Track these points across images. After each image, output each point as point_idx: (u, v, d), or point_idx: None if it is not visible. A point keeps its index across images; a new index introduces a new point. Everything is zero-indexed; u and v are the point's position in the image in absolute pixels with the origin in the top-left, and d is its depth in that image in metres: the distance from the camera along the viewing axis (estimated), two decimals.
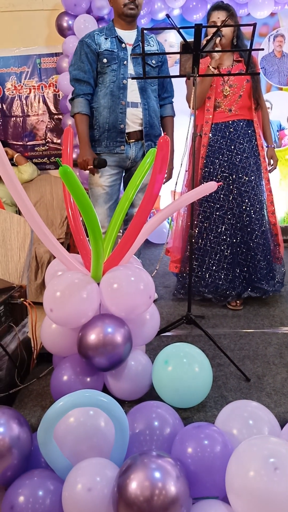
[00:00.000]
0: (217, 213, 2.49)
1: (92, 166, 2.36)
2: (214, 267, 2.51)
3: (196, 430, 1.27)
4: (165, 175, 2.51)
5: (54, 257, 1.77)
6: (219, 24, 2.40)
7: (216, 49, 2.35)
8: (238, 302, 2.53)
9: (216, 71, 2.43)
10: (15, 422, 1.32)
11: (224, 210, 2.48)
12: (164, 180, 2.55)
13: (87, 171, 2.48)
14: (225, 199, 2.49)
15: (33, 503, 1.19)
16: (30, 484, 1.23)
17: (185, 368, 1.52)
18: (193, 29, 1.96)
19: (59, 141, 4.10)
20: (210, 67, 2.41)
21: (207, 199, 2.48)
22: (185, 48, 2.06)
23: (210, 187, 1.79)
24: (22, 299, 1.89)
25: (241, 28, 2.53)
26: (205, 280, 2.52)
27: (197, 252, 2.53)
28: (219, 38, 2.34)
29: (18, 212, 3.56)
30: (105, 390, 1.62)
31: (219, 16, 2.42)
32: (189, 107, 2.52)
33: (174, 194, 2.23)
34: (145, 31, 2.39)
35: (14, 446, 1.27)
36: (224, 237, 2.49)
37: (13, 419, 1.32)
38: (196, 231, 2.52)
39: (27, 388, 1.76)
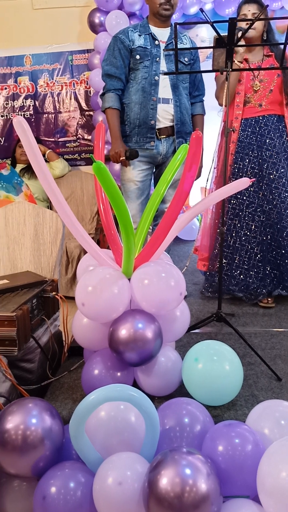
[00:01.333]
0: (247, 210, 2.46)
1: (124, 158, 2.36)
2: (244, 265, 2.47)
3: (227, 428, 1.26)
4: None
5: (85, 252, 1.79)
6: (249, 17, 2.36)
7: (241, 43, 2.31)
8: (269, 299, 2.50)
9: (242, 65, 2.39)
10: (48, 414, 1.34)
11: (254, 207, 2.45)
12: None
13: (118, 167, 2.49)
14: (255, 195, 2.45)
15: (64, 494, 1.21)
16: (62, 476, 1.25)
17: (216, 366, 1.51)
18: (226, 24, 1.95)
19: (89, 137, 4.13)
20: (236, 61, 2.36)
21: (236, 195, 2.45)
22: (219, 42, 2.04)
23: (242, 183, 1.77)
24: (54, 293, 1.92)
25: (274, 21, 2.49)
26: (235, 278, 2.49)
27: (226, 250, 2.50)
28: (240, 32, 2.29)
29: (50, 208, 3.61)
30: (135, 385, 1.63)
31: (249, 9, 2.39)
32: (219, 104, 2.49)
33: (205, 191, 2.21)
34: (179, 28, 2.38)
35: (47, 437, 1.29)
36: (254, 234, 2.45)
37: (45, 411, 1.34)
38: (225, 228, 2.49)
39: (58, 381, 1.78)
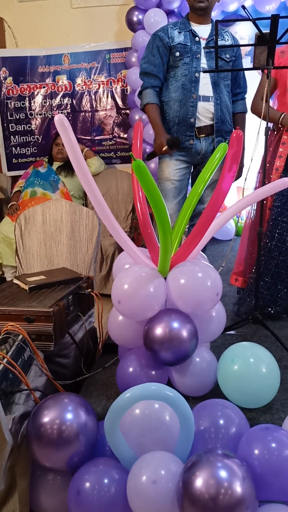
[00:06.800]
0: None
1: (166, 147, 2.31)
2: None
3: (264, 432, 1.24)
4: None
5: (119, 250, 1.79)
6: None
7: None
8: None
9: None
10: (83, 410, 1.35)
11: None
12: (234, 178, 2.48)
13: (154, 166, 2.47)
14: None
15: (98, 490, 1.22)
16: (96, 472, 1.26)
17: (252, 368, 1.49)
18: (268, 21, 1.91)
19: (125, 135, 4.14)
20: None
21: (283, 212, 2.24)
22: (260, 40, 2.00)
23: (282, 183, 1.73)
24: (89, 289, 1.94)
25: None
26: (282, 299, 2.28)
27: (273, 268, 2.26)
28: None
29: (85, 206, 3.65)
30: (169, 384, 1.62)
31: None
32: (256, 113, 2.33)
33: (243, 192, 2.16)
34: (219, 25, 2.33)
35: (81, 433, 1.31)
36: None
37: (80, 407, 1.36)
38: (269, 242, 2.27)
39: (93, 377, 1.80)
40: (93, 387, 1.74)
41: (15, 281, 1.95)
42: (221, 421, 1.33)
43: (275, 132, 2.34)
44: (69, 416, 1.32)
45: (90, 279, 2.02)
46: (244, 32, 3.88)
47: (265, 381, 1.49)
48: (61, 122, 1.39)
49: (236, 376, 1.49)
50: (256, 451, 1.20)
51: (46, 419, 1.31)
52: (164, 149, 2.32)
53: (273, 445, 1.20)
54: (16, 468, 1.30)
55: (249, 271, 2.40)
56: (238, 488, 1.09)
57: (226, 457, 1.14)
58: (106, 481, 1.24)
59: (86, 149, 4.00)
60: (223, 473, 1.10)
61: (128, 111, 4.07)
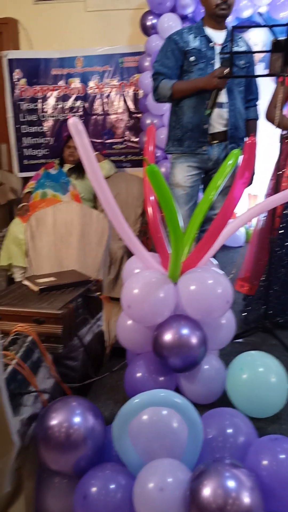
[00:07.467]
0: None
1: (226, 69, 2.17)
2: None
3: (273, 443, 1.23)
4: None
5: (128, 254, 1.79)
6: None
7: None
8: None
9: None
10: (91, 414, 1.35)
11: None
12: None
13: (164, 171, 2.44)
14: None
15: (105, 495, 1.22)
16: (103, 477, 1.25)
17: (261, 377, 1.48)
18: (283, 27, 1.91)
19: (136, 139, 4.14)
20: None
21: None
22: (276, 46, 2.00)
23: None
24: (98, 293, 1.94)
25: None
26: None
27: (283, 277, 2.24)
28: None
29: (95, 208, 3.65)
30: (177, 391, 1.61)
31: None
32: (271, 120, 2.30)
33: (255, 199, 2.15)
34: (234, 31, 2.32)
35: (89, 437, 1.30)
36: None
37: (88, 411, 1.36)
38: (279, 250, 2.23)
39: (101, 381, 1.80)
40: (100, 391, 1.74)
41: (25, 282, 1.95)
42: (230, 430, 1.32)
43: (287, 140, 2.33)
44: (77, 419, 1.32)
45: (100, 282, 2.02)
46: (257, 38, 3.87)
47: (274, 390, 1.48)
48: (75, 125, 1.40)
49: (244, 385, 1.49)
50: (265, 462, 1.20)
51: (54, 422, 1.31)
52: (226, 71, 2.16)
53: (282, 456, 1.19)
54: (23, 470, 1.30)
55: (256, 278, 2.39)
56: (246, 498, 1.08)
57: (234, 467, 1.14)
58: (112, 486, 1.24)
59: (96, 153, 4.00)
60: (231, 483, 1.10)
61: (139, 115, 4.07)
